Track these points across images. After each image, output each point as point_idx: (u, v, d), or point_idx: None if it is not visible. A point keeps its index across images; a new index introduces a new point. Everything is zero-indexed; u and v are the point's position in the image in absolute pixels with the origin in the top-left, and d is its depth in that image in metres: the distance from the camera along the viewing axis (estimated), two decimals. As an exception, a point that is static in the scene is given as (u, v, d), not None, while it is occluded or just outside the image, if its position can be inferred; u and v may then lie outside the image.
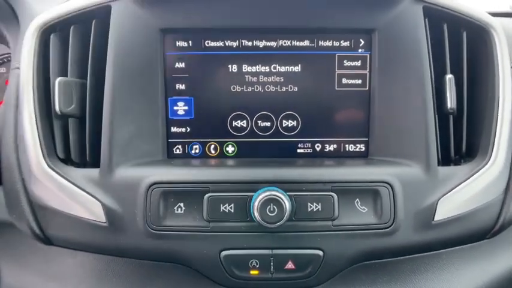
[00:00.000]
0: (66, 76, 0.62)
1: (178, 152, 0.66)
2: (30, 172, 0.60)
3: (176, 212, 0.57)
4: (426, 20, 0.62)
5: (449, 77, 0.61)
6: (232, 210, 0.56)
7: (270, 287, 0.61)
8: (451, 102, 0.61)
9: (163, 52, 0.64)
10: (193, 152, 0.66)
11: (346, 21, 0.62)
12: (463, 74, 0.63)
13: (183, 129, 0.66)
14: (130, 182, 0.58)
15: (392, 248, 0.59)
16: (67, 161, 0.63)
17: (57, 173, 0.59)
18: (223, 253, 0.58)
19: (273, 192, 0.55)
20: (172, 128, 0.66)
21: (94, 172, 0.60)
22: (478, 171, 0.60)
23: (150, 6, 0.61)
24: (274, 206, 0.54)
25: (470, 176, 0.60)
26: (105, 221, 0.58)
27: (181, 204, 0.57)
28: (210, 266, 0.59)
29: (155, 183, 0.57)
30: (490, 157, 0.60)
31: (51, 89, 0.62)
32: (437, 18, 0.63)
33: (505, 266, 0.65)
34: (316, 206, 0.57)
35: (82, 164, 0.63)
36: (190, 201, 0.57)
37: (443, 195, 0.59)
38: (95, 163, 0.61)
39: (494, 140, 0.61)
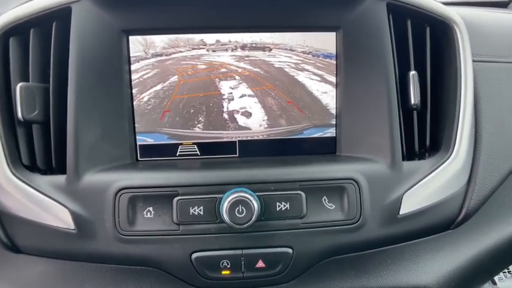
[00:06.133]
0: (28, 81, 0.61)
1: (146, 154, 0.66)
2: None
3: (146, 216, 0.57)
4: (390, 16, 0.62)
5: (412, 73, 0.62)
6: (202, 213, 0.57)
7: (242, 286, 0.62)
8: (414, 98, 0.62)
9: (128, 54, 0.62)
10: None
11: (310, 19, 0.62)
12: (427, 69, 0.64)
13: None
14: (98, 187, 0.57)
15: (360, 243, 0.61)
16: (33, 168, 0.62)
17: (22, 181, 0.58)
18: (194, 255, 0.58)
19: (241, 194, 0.55)
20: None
21: (60, 179, 0.59)
22: (441, 164, 0.62)
23: (111, 7, 0.60)
24: (243, 207, 0.54)
25: (434, 170, 0.61)
26: (74, 228, 0.57)
27: (151, 209, 0.57)
28: (182, 268, 0.59)
29: (123, 188, 0.56)
30: (453, 151, 0.62)
31: (12, 95, 0.60)
32: (401, 14, 0.63)
33: (467, 255, 0.67)
34: (284, 205, 0.57)
35: (48, 170, 0.62)
36: (159, 205, 0.57)
37: (408, 190, 0.60)
38: (61, 169, 0.60)
39: (456, 133, 0.62)
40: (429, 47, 0.64)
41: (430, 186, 0.61)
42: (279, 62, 0.64)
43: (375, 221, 0.60)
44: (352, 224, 0.59)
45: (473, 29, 0.68)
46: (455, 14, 0.64)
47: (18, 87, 0.59)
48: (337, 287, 0.64)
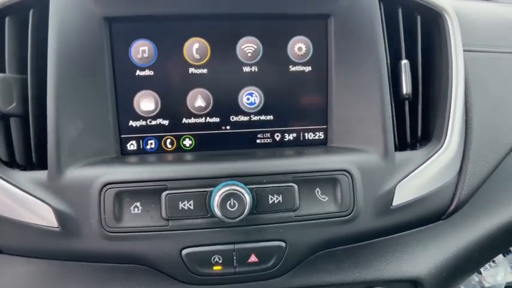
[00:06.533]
0: (4, 72, 0.57)
1: (132, 148, 0.63)
2: None
3: (133, 212, 0.55)
4: (381, 4, 0.61)
5: (404, 62, 0.62)
6: (192, 207, 0.55)
7: (234, 281, 0.60)
8: (406, 87, 0.62)
9: (110, 42, 0.60)
10: (148, 147, 0.64)
11: (301, 6, 0.60)
12: (418, 59, 0.64)
13: (137, 124, 0.63)
14: (82, 183, 0.55)
15: (353, 235, 0.60)
16: (11, 163, 0.59)
17: (0, 177, 0.55)
18: (185, 251, 0.56)
19: (233, 187, 0.53)
20: (125, 121, 0.62)
21: (42, 174, 0.56)
22: (433, 155, 0.61)
23: None
24: (235, 201, 0.53)
25: (426, 160, 0.61)
26: (57, 226, 0.55)
27: (138, 204, 0.55)
28: (172, 265, 0.57)
29: (108, 183, 0.54)
30: (444, 141, 0.62)
31: None
32: (392, 3, 0.63)
33: (458, 244, 0.67)
34: (277, 198, 0.56)
35: (28, 166, 0.59)
36: (147, 200, 0.55)
37: (400, 180, 0.60)
38: (42, 165, 0.57)
39: (448, 124, 0.62)
40: (420, 37, 0.64)
41: (423, 176, 0.61)
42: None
43: (368, 213, 0.59)
44: (346, 216, 0.58)
45: (464, 19, 0.68)
46: (447, 3, 0.63)
47: None
48: (330, 280, 0.64)
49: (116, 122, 0.62)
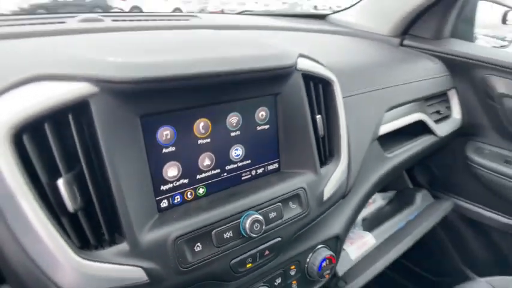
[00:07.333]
0: (55, 172, 0.67)
1: (164, 205, 0.84)
2: (58, 268, 0.66)
3: (196, 250, 0.80)
4: (303, 81, 1.00)
5: (318, 116, 1.04)
6: (232, 234, 0.84)
7: (260, 267, 0.95)
8: (321, 130, 1.05)
9: (142, 131, 0.76)
10: (175, 201, 0.86)
11: (266, 90, 0.93)
12: (322, 112, 1.07)
13: (166, 187, 0.84)
14: (158, 242, 0.74)
15: (309, 221, 1.02)
16: (85, 247, 0.71)
17: (91, 260, 0.68)
18: (232, 262, 0.86)
19: (254, 215, 0.85)
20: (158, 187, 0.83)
21: (123, 246, 0.72)
22: (337, 167, 1.08)
23: (127, 97, 0.72)
24: (257, 223, 0.85)
25: (334, 170, 1.07)
26: (147, 279, 0.74)
27: (199, 243, 0.80)
28: (223, 273, 0.86)
29: (178, 236, 0.77)
30: (340, 157, 1.09)
31: (47, 190, 0.67)
32: (308, 78, 1.02)
33: (352, 206, 1.22)
34: (273, 213, 0.91)
35: (99, 244, 0.72)
36: (203, 240, 0.81)
37: (325, 185, 1.04)
38: (112, 240, 0.73)
39: (340, 147, 1.09)
40: (323, 97, 1.07)
41: (334, 179, 1.06)
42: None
43: (315, 207, 1.01)
44: (306, 213, 0.98)
45: (342, 75, 1.15)
46: (333, 75, 1.08)
47: (62, 184, 0.66)
48: (293, 248, 1.07)
49: (152, 188, 0.81)
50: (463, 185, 2.11)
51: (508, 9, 2.24)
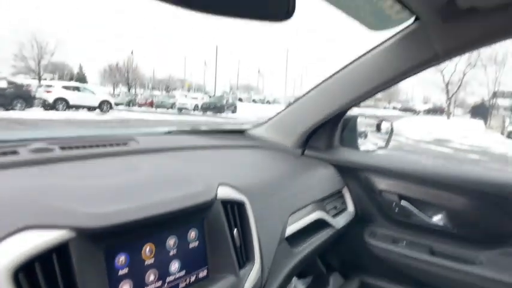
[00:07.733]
0: None
1: None
2: None
3: None
4: (221, 205, 1.37)
5: (235, 230, 1.39)
6: None
7: None
8: (238, 241, 1.39)
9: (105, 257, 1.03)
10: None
11: (191, 218, 1.27)
12: (238, 227, 1.43)
13: None
14: None
15: None
16: None
17: None
18: None
19: None
20: None
21: None
22: (252, 267, 1.41)
23: (95, 237, 1.01)
24: None
25: (251, 271, 1.40)
26: None
27: None
28: None
29: None
30: (254, 260, 1.43)
31: None
32: (225, 202, 1.39)
33: None
34: None
35: None
36: None
37: (244, 284, 1.35)
38: None
39: (254, 252, 1.44)
40: (238, 216, 1.43)
41: (251, 278, 1.37)
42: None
43: None
44: None
45: (253, 194, 1.52)
46: (245, 197, 1.46)
47: None
48: None
49: None
50: (367, 265, 2.54)
51: (381, 120, 2.97)
